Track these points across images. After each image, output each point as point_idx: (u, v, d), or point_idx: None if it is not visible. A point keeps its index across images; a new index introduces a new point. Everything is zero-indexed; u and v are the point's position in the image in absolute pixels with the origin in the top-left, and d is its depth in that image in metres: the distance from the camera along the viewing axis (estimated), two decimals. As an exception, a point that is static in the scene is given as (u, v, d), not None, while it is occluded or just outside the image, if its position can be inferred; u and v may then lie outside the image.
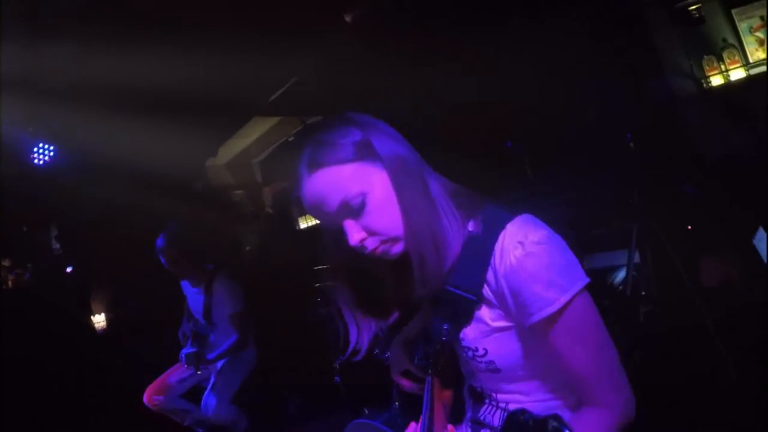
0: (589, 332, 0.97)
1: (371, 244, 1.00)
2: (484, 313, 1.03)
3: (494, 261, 0.99)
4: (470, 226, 1.05)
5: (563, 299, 0.92)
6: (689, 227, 2.74)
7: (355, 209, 0.98)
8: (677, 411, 2.05)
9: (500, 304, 1.00)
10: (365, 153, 0.98)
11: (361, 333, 1.12)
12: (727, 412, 2.02)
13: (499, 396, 1.13)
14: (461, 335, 1.06)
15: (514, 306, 0.97)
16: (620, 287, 2.62)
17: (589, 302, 0.97)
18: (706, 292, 2.50)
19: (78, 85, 3.11)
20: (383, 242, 1.00)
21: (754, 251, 2.40)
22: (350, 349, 1.12)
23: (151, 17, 2.84)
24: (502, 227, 1.00)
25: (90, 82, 3.11)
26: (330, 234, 1.07)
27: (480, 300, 1.02)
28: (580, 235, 2.79)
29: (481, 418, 1.17)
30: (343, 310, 1.13)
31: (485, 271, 1.00)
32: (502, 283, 0.97)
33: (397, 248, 1.01)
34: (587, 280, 0.96)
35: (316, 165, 0.97)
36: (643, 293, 2.56)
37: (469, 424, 1.21)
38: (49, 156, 3.60)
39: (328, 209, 0.98)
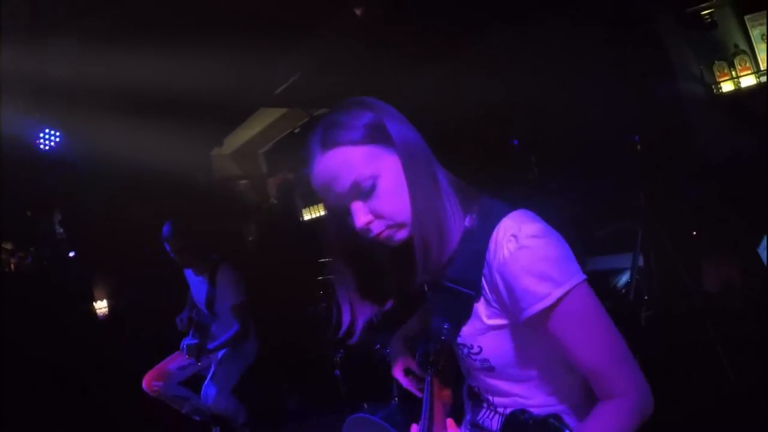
0: (590, 325, 0.95)
1: (377, 227, 1.00)
2: (481, 309, 1.02)
3: (489, 254, 0.98)
4: (467, 221, 1.05)
5: (557, 294, 0.91)
6: (694, 233, 2.73)
7: (365, 191, 0.98)
8: (678, 416, 2.06)
9: (496, 298, 0.99)
10: (378, 137, 0.99)
11: (355, 316, 1.11)
12: (727, 417, 2.03)
13: (497, 399, 1.13)
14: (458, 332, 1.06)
15: (508, 300, 0.96)
16: (623, 291, 2.62)
17: (586, 295, 0.94)
18: (709, 296, 2.49)
19: (86, 72, 3.11)
20: (389, 227, 1.00)
21: (757, 258, 2.40)
22: (342, 330, 1.12)
23: (158, 7, 2.84)
24: (498, 221, 0.99)
25: (98, 69, 3.11)
26: (335, 216, 1.07)
27: (478, 294, 1.02)
28: (585, 237, 2.79)
29: (480, 421, 1.16)
30: (338, 292, 1.12)
31: (481, 265, 1.00)
32: (496, 276, 0.96)
33: (402, 234, 1.01)
34: (584, 276, 0.94)
35: (329, 144, 0.98)
36: (646, 298, 2.55)
37: (468, 426, 1.21)
38: (55, 141, 3.59)
39: (339, 189, 0.98)
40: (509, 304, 0.96)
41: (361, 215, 0.99)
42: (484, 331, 1.03)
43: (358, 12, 3.20)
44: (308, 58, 3.74)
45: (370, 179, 0.97)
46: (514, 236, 0.94)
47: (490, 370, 1.06)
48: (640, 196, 2.56)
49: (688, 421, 2.06)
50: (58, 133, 3.57)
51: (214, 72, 3.51)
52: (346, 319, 1.11)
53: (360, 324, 1.11)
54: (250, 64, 3.61)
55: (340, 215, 1.04)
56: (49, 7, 2.60)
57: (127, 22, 2.86)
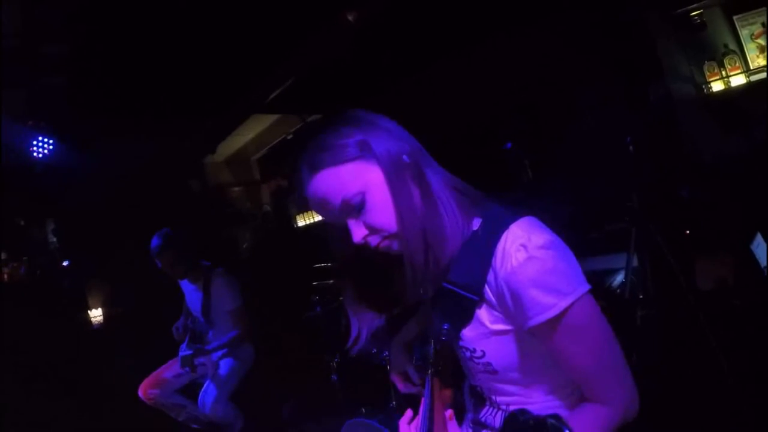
0: (590, 335, 0.97)
1: (374, 240, 1.02)
2: (484, 314, 1.03)
3: (495, 262, 0.98)
4: (473, 224, 1.05)
5: (562, 305, 0.92)
6: (687, 232, 2.74)
7: (355, 207, 1.00)
8: (674, 415, 2.06)
9: (500, 304, 1.00)
10: (363, 152, 1.00)
11: (361, 326, 1.13)
12: (724, 416, 2.03)
13: (499, 398, 1.13)
14: (460, 335, 1.06)
15: (513, 308, 0.97)
16: (618, 290, 2.62)
17: (590, 306, 0.96)
18: (704, 295, 2.50)
19: (78, 79, 3.11)
20: (385, 238, 1.02)
21: (751, 256, 2.41)
22: (350, 340, 1.14)
23: (149, 16, 2.84)
24: (506, 227, 0.99)
25: (91, 76, 3.10)
26: (336, 231, 1.09)
27: (481, 300, 1.02)
28: (579, 238, 2.79)
29: (482, 419, 1.16)
30: (345, 302, 1.15)
31: (486, 270, 0.99)
32: (502, 284, 0.97)
33: (399, 244, 1.02)
34: (588, 286, 0.95)
35: (316, 167, 1.00)
36: (641, 297, 2.56)
37: (470, 425, 1.21)
38: (48, 149, 3.55)
39: (331, 208, 1.01)
40: (514, 311, 0.97)
41: (356, 231, 1.01)
42: (487, 336, 1.03)
43: (350, 17, 3.21)
44: (301, 64, 3.75)
45: (359, 195, 0.99)
46: (524, 246, 0.95)
47: (492, 373, 1.07)
48: (633, 197, 2.58)
49: (685, 420, 2.07)
50: (51, 141, 3.54)
51: (207, 78, 3.51)
52: (354, 329, 1.14)
53: (364, 334, 1.13)
54: (242, 70, 3.62)
55: (340, 229, 1.06)
56: (43, 14, 2.60)
57: (120, 29, 2.85)
